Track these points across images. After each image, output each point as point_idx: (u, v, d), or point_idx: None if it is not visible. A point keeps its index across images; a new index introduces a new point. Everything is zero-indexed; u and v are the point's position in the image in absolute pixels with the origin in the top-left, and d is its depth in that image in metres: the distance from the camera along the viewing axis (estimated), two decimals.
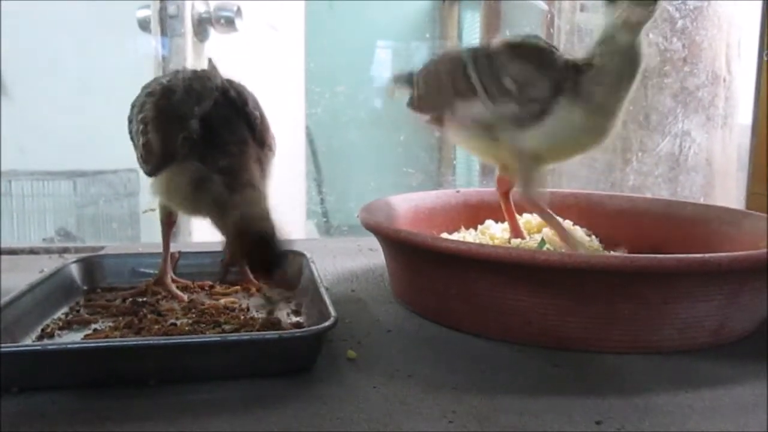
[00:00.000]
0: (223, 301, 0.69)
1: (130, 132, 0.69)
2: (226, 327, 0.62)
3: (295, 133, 1.84)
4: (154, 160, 0.64)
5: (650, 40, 1.40)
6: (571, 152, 0.76)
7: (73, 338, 0.60)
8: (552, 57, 0.72)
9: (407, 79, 0.82)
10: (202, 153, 0.61)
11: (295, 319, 0.65)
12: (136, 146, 0.67)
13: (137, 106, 0.67)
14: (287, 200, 1.72)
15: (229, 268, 0.76)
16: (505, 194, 0.83)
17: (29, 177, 1.90)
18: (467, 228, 0.89)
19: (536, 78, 0.71)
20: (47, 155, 1.93)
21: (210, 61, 0.70)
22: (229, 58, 1.47)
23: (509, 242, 0.82)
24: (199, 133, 0.61)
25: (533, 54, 0.72)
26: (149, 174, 0.66)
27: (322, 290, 0.63)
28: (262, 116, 0.66)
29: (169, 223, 0.73)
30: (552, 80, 0.70)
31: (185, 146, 0.61)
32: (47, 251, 1.01)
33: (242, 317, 0.65)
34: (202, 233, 1.23)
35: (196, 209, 0.64)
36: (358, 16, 2.58)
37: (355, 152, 2.47)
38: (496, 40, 0.76)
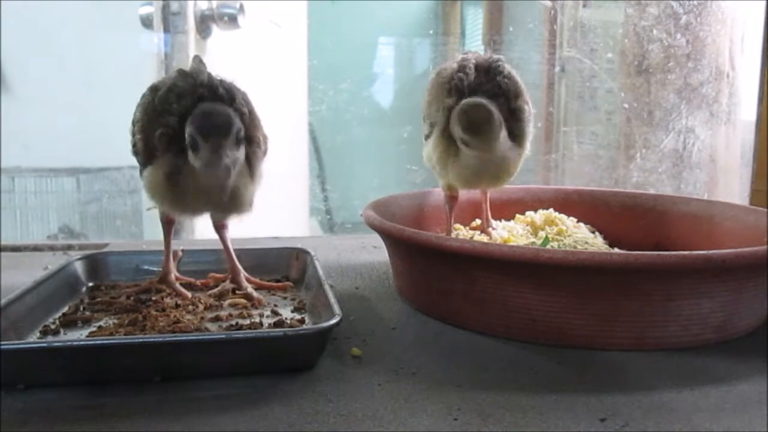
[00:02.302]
0: (228, 301, 0.69)
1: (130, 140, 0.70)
2: (231, 324, 0.62)
3: (297, 130, 1.84)
4: (140, 159, 0.66)
5: (654, 36, 1.40)
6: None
7: (77, 335, 0.60)
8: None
9: None
10: (181, 148, 0.61)
11: (299, 316, 0.65)
12: (131, 151, 0.69)
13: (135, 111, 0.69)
14: (290, 197, 1.72)
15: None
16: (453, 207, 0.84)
17: (33, 174, 1.91)
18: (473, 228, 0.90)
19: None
20: (50, 152, 1.93)
21: (196, 57, 0.70)
22: (231, 55, 1.47)
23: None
24: (177, 128, 0.62)
25: None
26: (140, 174, 0.67)
27: (327, 288, 0.63)
28: (251, 113, 0.66)
29: (168, 222, 0.73)
30: None
31: (162, 142, 0.62)
32: (51, 248, 1.01)
33: (246, 314, 0.65)
34: (206, 230, 1.23)
35: (175, 203, 0.65)
36: (360, 12, 2.58)
37: (359, 149, 2.47)
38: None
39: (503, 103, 0.75)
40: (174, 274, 0.73)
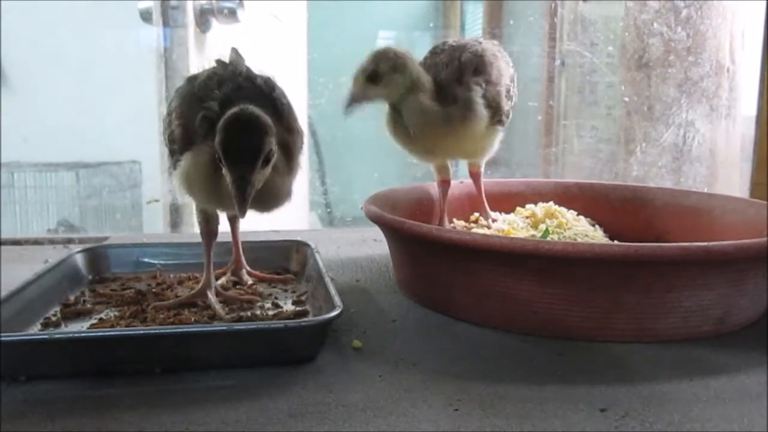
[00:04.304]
0: (229, 293, 0.69)
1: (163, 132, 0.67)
2: (232, 316, 0.62)
3: None
4: (177, 147, 0.63)
5: (654, 30, 1.39)
6: None
7: (78, 327, 0.60)
8: None
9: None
10: None
11: (300, 308, 0.65)
12: (165, 143, 0.66)
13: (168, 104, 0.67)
14: None
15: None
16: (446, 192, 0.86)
17: (32, 168, 1.90)
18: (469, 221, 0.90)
19: None
20: (50, 147, 1.93)
21: (234, 50, 0.69)
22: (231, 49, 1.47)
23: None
24: (219, 113, 0.59)
25: None
26: (173, 167, 0.64)
27: (327, 280, 0.63)
28: (289, 105, 0.65)
29: (209, 234, 0.69)
30: None
31: (204, 126, 0.60)
32: (51, 242, 1.01)
33: (247, 306, 0.65)
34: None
35: (210, 193, 0.61)
36: (360, 6, 2.57)
37: (359, 143, 2.46)
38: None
39: (455, 72, 0.77)
40: (214, 288, 0.68)
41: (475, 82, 0.77)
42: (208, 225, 0.68)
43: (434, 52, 0.80)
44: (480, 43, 0.80)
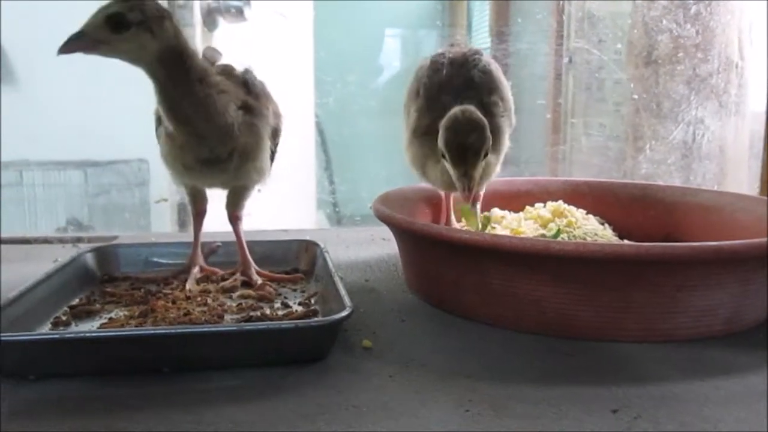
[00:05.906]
0: (238, 293, 0.70)
1: None
2: (242, 316, 0.62)
3: (305, 122, 1.84)
4: (157, 132, 0.71)
5: (663, 27, 1.39)
6: None
7: (88, 327, 0.61)
8: None
9: None
10: None
11: (309, 308, 0.65)
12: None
13: None
14: (297, 190, 1.72)
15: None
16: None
17: (40, 167, 1.91)
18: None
19: None
20: (58, 145, 1.93)
21: (208, 47, 0.72)
22: (238, 47, 1.47)
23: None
24: None
25: None
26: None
27: (337, 280, 0.63)
28: (263, 88, 0.70)
29: (198, 213, 0.75)
30: None
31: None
32: (61, 241, 1.02)
33: (257, 306, 0.65)
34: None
35: (177, 159, 0.67)
36: (366, 4, 2.57)
37: (366, 141, 2.46)
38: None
39: (474, 96, 0.74)
40: (201, 265, 0.75)
41: (494, 104, 0.75)
42: (196, 203, 0.74)
43: (436, 69, 0.77)
44: (481, 54, 0.78)
